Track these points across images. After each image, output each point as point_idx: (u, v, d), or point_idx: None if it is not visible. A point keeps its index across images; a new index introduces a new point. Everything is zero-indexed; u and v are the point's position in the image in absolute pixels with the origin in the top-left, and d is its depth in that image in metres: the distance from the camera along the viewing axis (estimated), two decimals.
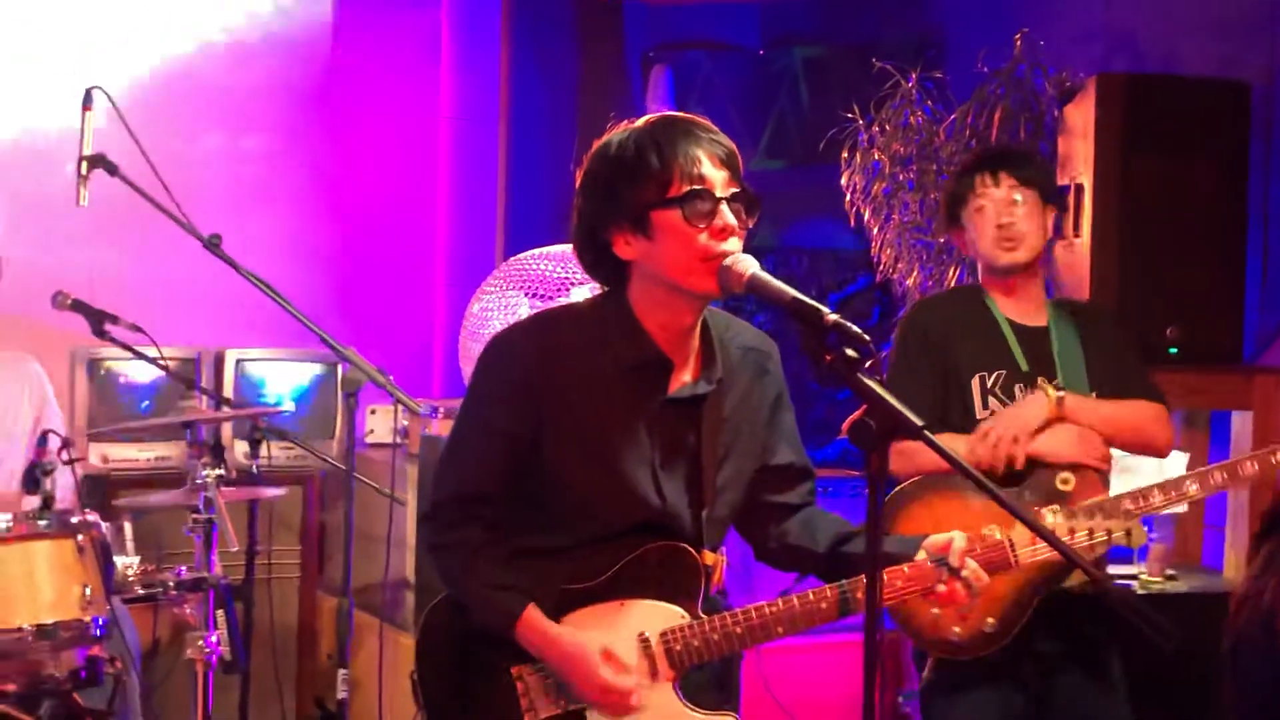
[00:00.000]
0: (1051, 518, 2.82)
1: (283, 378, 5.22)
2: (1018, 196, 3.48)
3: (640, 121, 2.51)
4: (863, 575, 2.47)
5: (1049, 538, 2.35)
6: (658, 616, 2.55)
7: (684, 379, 2.56)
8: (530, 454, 2.52)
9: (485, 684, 2.57)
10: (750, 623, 2.54)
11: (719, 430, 2.58)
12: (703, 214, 2.41)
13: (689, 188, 2.41)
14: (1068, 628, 3.38)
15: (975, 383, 3.47)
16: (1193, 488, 3.25)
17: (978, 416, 3.45)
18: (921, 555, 2.55)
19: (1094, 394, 3.48)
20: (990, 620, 3.28)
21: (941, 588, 2.53)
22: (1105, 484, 3.39)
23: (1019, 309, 3.54)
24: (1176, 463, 4.15)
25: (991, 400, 3.46)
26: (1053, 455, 3.35)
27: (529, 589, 2.52)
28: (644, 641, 2.53)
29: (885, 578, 2.49)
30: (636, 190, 2.44)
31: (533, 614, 2.50)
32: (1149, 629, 2.28)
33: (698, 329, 2.57)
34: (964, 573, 2.52)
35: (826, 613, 2.54)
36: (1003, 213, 3.48)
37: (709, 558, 2.58)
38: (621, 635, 2.53)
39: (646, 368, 2.53)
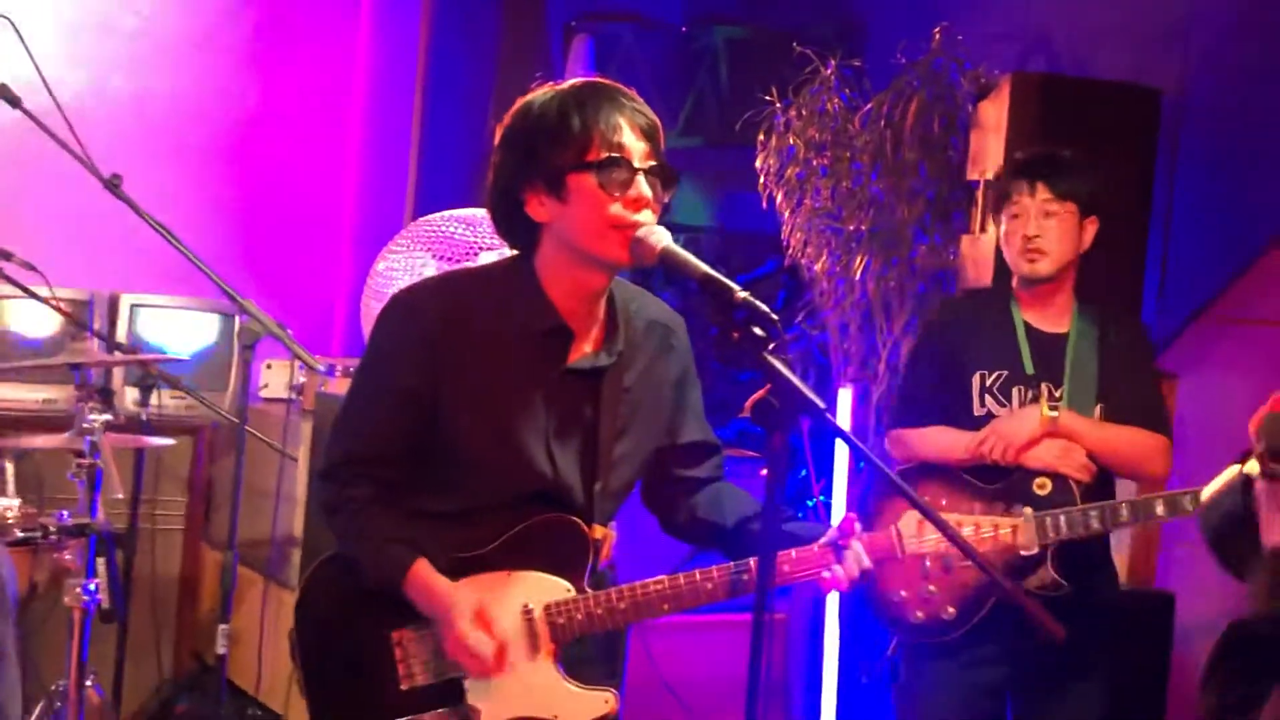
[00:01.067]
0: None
1: (178, 326, 5.12)
2: (1052, 209, 3.52)
3: (566, 84, 2.49)
4: (752, 559, 2.50)
5: (946, 530, 2.39)
6: (543, 588, 2.53)
7: (585, 349, 2.55)
8: (427, 415, 2.49)
9: (364, 646, 2.54)
10: (635, 599, 2.53)
11: (618, 403, 2.57)
12: (618, 182, 2.40)
13: (607, 154, 2.40)
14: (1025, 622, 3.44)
15: (976, 380, 3.56)
16: (1160, 509, 3.33)
17: (974, 414, 3.54)
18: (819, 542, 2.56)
19: (1099, 406, 3.54)
20: (950, 609, 3.45)
21: (827, 574, 2.55)
22: (1082, 494, 3.45)
23: (1041, 315, 3.61)
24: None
25: (988, 399, 3.55)
26: (1035, 462, 3.45)
27: (421, 546, 2.50)
28: (527, 613, 2.52)
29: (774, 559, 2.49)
30: (555, 151, 2.41)
31: (423, 567, 2.48)
32: (1037, 624, 2.34)
33: (603, 299, 2.55)
34: (846, 554, 2.54)
35: (713, 592, 2.54)
36: (1032, 225, 3.53)
37: (598, 531, 2.57)
38: (506, 605, 2.51)
39: (548, 336, 2.51)
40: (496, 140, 2.52)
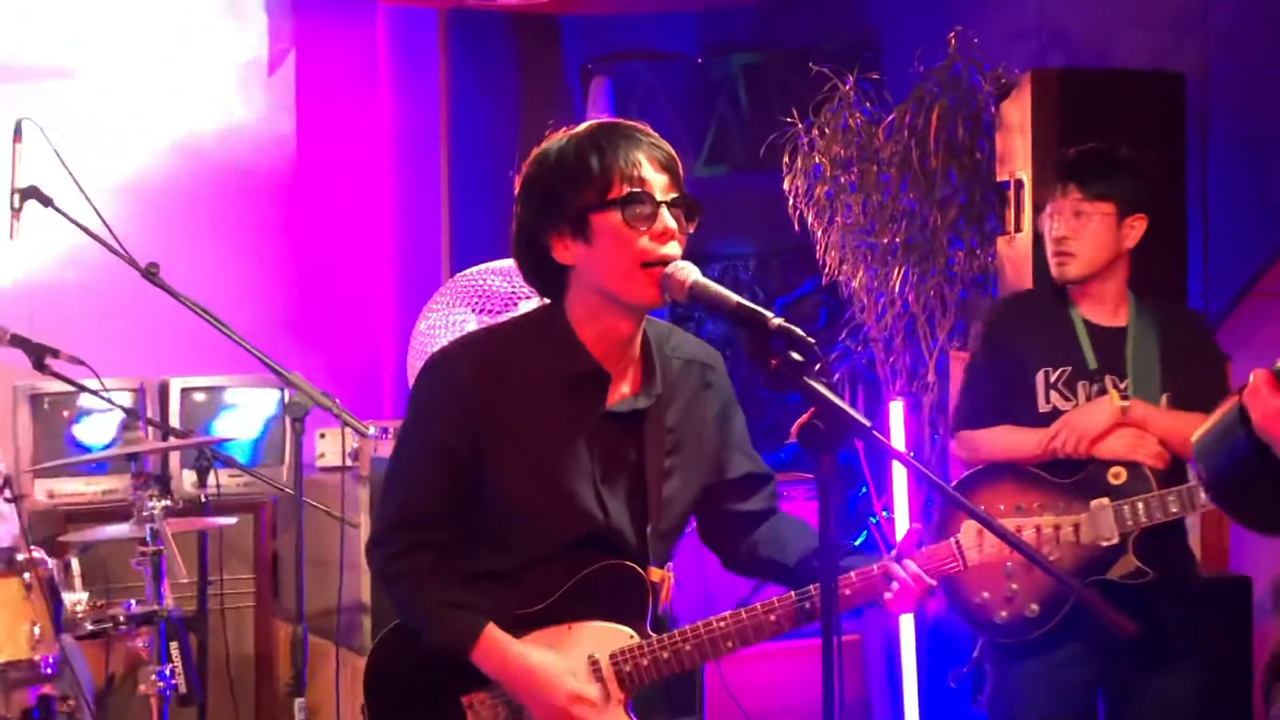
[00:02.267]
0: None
1: (229, 405, 5.17)
2: (1084, 209, 3.52)
3: (581, 127, 2.49)
4: (810, 586, 2.49)
5: (1007, 537, 2.37)
6: (606, 638, 2.52)
7: (623, 391, 2.53)
8: (472, 472, 2.49)
9: (435, 713, 2.53)
10: (699, 639, 2.51)
11: (661, 443, 2.55)
12: (642, 216, 2.39)
13: (629, 190, 2.39)
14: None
15: (1040, 377, 3.56)
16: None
17: (1040, 410, 3.55)
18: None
19: (1165, 396, 3.53)
20: (1034, 606, 3.45)
21: (888, 594, 2.52)
22: (1158, 481, 3.45)
23: (1096, 309, 3.60)
24: None
25: (1053, 395, 3.56)
26: (1108, 453, 3.46)
27: (485, 609, 2.49)
28: (594, 664, 2.50)
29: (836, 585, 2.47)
30: (576, 194, 2.41)
31: (493, 631, 2.47)
32: (1107, 621, 2.30)
33: (637, 340, 2.54)
34: (903, 574, 2.50)
35: (777, 624, 2.52)
36: (1061, 226, 3.54)
37: (655, 574, 2.55)
38: (571, 659, 2.50)
39: (583, 380, 2.49)
40: (516, 190, 2.52)
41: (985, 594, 3.49)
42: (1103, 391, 3.52)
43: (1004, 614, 3.48)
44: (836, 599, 2.16)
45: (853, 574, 2.51)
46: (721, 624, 2.51)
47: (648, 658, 2.50)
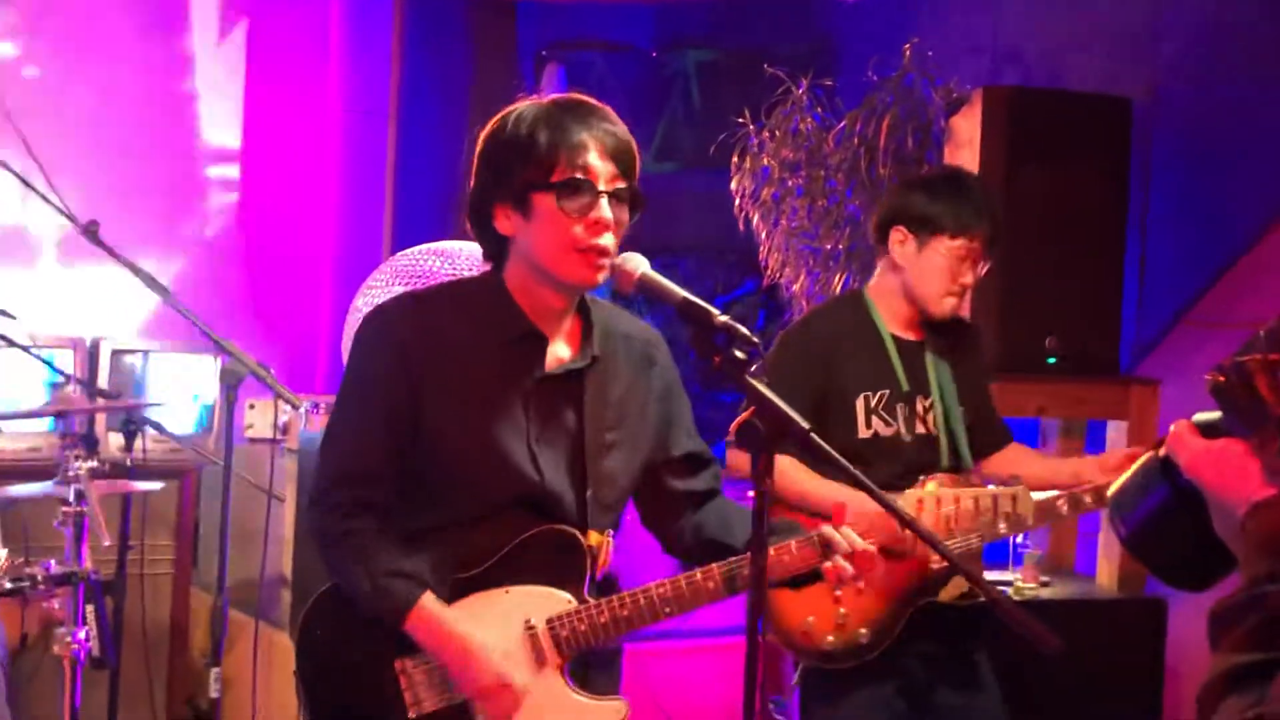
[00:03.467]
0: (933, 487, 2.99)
1: (160, 370, 5.10)
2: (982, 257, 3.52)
3: (547, 99, 2.50)
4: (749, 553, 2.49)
5: (931, 541, 2.39)
6: (543, 603, 2.52)
7: (560, 356, 2.55)
8: (410, 428, 2.49)
9: (369, 678, 2.53)
10: (638, 605, 2.51)
11: (604, 414, 2.57)
12: (579, 205, 2.40)
13: (570, 175, 2.40)
14: (941, 637, 3.42)
15: (859, 403, 3.46)
16: (1063, 508, 3.31)
17: (859, 436, 3.44)
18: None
19: (961, 410, 3.52)
20: (863, 631, 3.35)
21: (828, 564, 2.52)
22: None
23: (902, 324, 3.55)
24: None
25: (874, 420, 3.46)
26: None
27: (423, 577, 2.48)
28: (530, 629, 2.50)
29: (773, 553, 2.48)
30: (521, 169, 2.42)
31: (428, 601, 2.46)
32: (1032, 636, 2.29)
33: (573, 309, 2.56)
34: (838, 540, 2.51)
35: (714, 591, 2.52)
36: (971, 273, 3.50)
37: (594, 538, 2.56)
38: (508, 623, 2.50)
39: (520, 342, 2.52)
40: (477, 148, 2.53)
41: (810, 618, 3.37)
42: (913, 414, 3.47)
43: (831, 639, 3.35)
44: (766, 597, 2.17)
45: (793, 544, 2.53)
46: (660, 589, 2.52)
47: (585, 622, 2.50)
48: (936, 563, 3.29)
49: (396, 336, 2.50)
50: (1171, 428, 1.61)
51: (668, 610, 2.52)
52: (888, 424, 3.46)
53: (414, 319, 2.52)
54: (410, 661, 2.52)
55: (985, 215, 3.46)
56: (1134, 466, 1.71)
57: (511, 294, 2.51)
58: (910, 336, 3.55)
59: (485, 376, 2.50)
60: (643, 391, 2.64)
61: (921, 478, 3.23)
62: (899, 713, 3.42)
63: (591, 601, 2.52)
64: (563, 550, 2.53)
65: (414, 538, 2.51)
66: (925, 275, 3.47)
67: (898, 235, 3.51)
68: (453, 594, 2.50)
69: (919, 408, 3.49)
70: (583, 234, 2.41)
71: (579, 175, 2.40)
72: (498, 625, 2.49)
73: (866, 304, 3.57)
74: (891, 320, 3.54)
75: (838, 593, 3.32)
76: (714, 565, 2.53)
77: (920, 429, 3.49)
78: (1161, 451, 1.63)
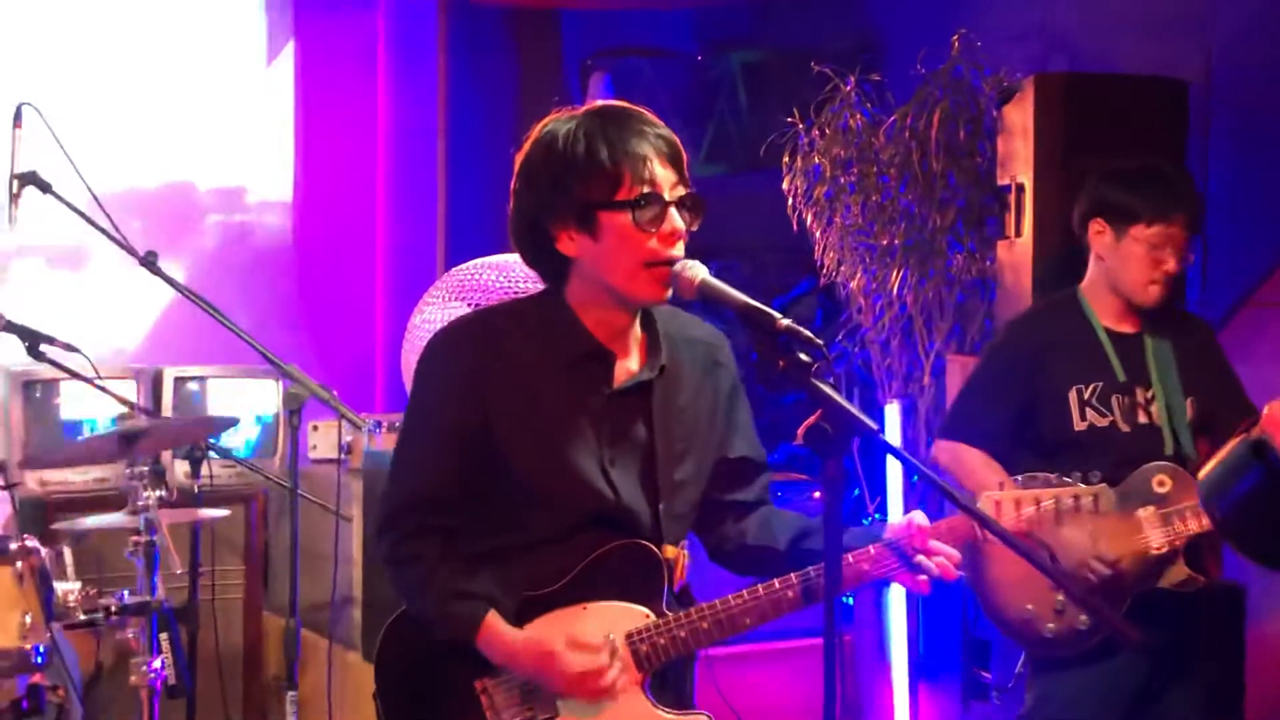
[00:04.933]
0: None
1: (222, 395, 5.14)
2: (1186, 241, 3.55)
3: (587, 111, 2.44)
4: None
5: (1007, 538, 2.36)
6: (622, 617, 2.49)
7: (629, 369, 2.52)
8: (479, 451, 2.46)
9: (448, 700, 2.52)
10: (716, 616, 2.49)
11: (673, 424, 2.54)
12: (653, 219, 2.37)
13: (641, 190, 2.36)
14: (1163, 623, 3.40)
15: (1072, 395, 3.51)
16: None
17: (1075, 429, 3.50)
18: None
19: (1189, 401, 3.52)
20: (1083, 618, 3.39)
21: (921, 562, 2.48)
22: None
23: (1115, 316, 3.59)
24: None
25: (1089, 412, 3.50)
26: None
27: (491, 596, 2.46)
28: (610, 645, 2.48)
29: (851, 560, 2.46)
30: (583, 187, 2.37)
31: (494, 620, 2.45)
32: (1112, 628, 2.27)
33: (637, 321, 2.53)
34: (922, 555, 2.47)
35: (793, 601, 2.49)
36: (1174, 259, 3.53)
37: (670, 552, 2.53)
38: (588, 639, 2.47)
39: (587, 360, 2.49)
40: (517, 167, 2.48)
41: (1029, 606, 3.46)
42: (1134, 405, 3.50)
43: (1052, 626, 3.44)
44: (839, 602, 2.14)
45: (871, 549, 2.49)
46: (738, 601, 2.49)
47: (665, 636, 2.48)
48: (1156, 549, 3.35)
49: (464, 359, 2.47)
50: (1266, 409, 1.59)
51: (748, 621, 2.49)
52: (1102, 415, 3.51)
53: (481, 341, 2.49)
54: (490, 680, 2.50)
55: (1183, 199, 3.52)
56: (1222, 452, 1.68)
57: (575, 311, 2.48)
58: (1126, 328, 3.59)
59: (554, 396, 2.47)
60: (710, 395, 2.61)
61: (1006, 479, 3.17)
62: (1119, 691, 3.46)
63: (670, 615, 2.50)
64: (639, 565, 2.50)
65: (483, 558, 2.50)
66: (1126, 264, 3.54)
67: (1096, 227, 3.59)
68: (523, 612, 2.48)
69: (1140, 398, 3.52)
70: (657, 247, 2.38)
71: (647, 189, 2.37)
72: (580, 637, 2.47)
73: (1079, 301, 3.63)
74: (1104, 313, 3.60)
75: None
76: (793, 575, 2.49)
77: (1142, 419, 3.52)
78: (1254, 433, 1.60)
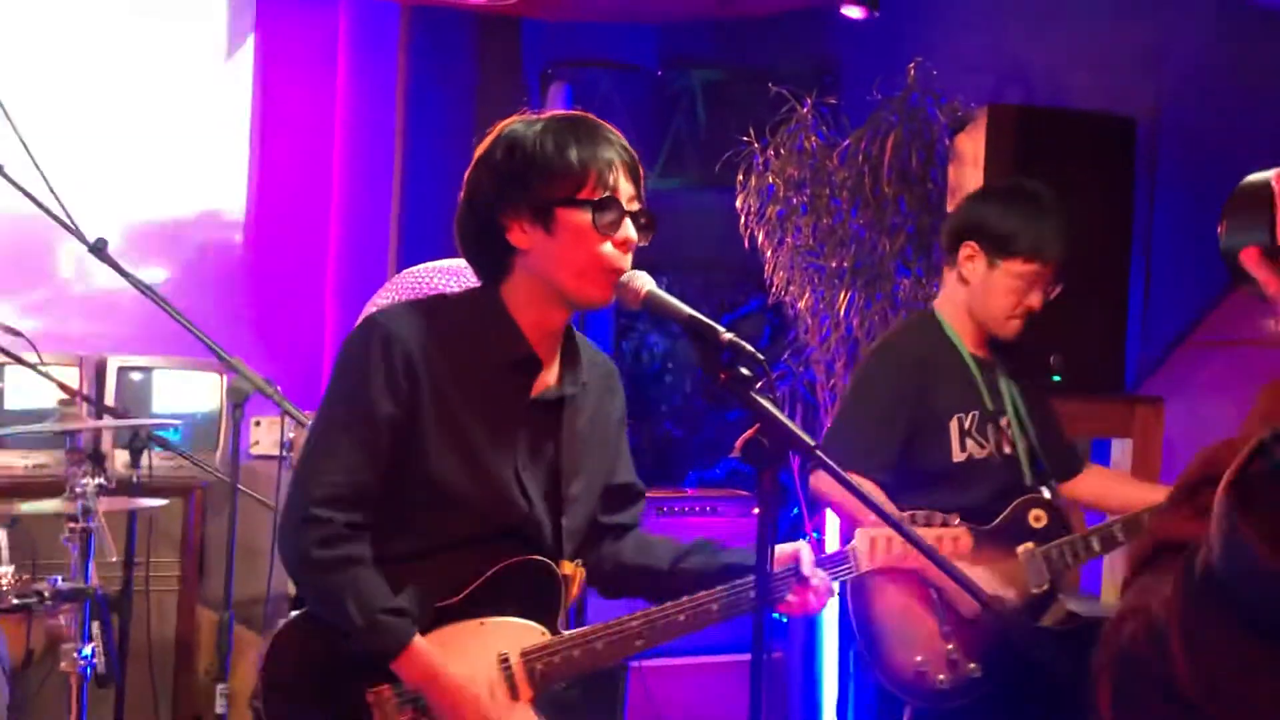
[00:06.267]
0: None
1: (166, 387, 5.12)
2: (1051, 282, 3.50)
3: (552, 115, 2.48)
4: (713, 588, 2.51)
5: (930, 553, 2.39)
6: (518, 635, 2.50)
7: (547, 381, 2.54)
8: (403, 447, 2.41)
9: (334, 708, 2.45)
10: (610, 637, 2.50)
11: (577, 440, 2.56)
12: (610, 223, 2.40)
13: (603, 194, 2.40)
14: (1053, 660, 3.38)
15: (953, 425, 3.41)
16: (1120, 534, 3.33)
17: (954, 459, 3.40)
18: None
19: (1032, 426, 3.50)
20: (973, 665, 3.32)
21: (791, 597, 2.54)
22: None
23: (974, 343, 3.52)
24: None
25: (969, 442, 3.41)
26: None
27: (414, 613, 2.41)
28: (504, 662, 2.48)
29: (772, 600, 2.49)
30: (547, 184, 2.40)
31: (420, 643, 2.40)
32: (1039, 657, 2.30)
33: (562, 333, 2.55)
34: (813, 581, 2.53)
35: (685, 625, 2.52)
36: (1039, 298, 3.49)
37: (568, 567, 2.55)
38: (482, 656, 2.48)
39: (518, 366, 2.50)
40: (476, 156, 2.49)
41: (918, 658, 3.33)
42: (1000, 434, 3.44)
43: (943, 678, 3.32)
44: (770, 614, 2.17)
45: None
46: (634, 623, 2.51)
47: (559, 655, 2.49)
48: (1037, 588, 3.30)
49: (401, 343, 2.41)
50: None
51: (639, 643, 2.51)
52: (981, 445, 3.42)
53: (420, 327, 2.44)
54: (384, 693, 2.44)
55: (1060, 238, 3.38)
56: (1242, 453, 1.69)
57: (510, 312, 2.48)
58: (983, 354, 3.51)
59: (481, 398, 2.46)
60: (605, 417, 2.66)
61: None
62: None
63: (565, 634, 2.52)
64: (537, 581, 2.51)
65: (389, 562, 2.43)
66: (992, 295, 3.41)
67: (968, 251, 3.44)
68: (429, 623, 2.45)
69: (1003, 426, 3.45)
70: (610, 252, 2.41)
71: (609, 194, 2.41)
72: (474, 659, 2.46)
73: (939, 322, 3.52)
74: (965, 337, 3.49)
75: (945, 629, 3.32)
76: (684, 599, 2.52)
77: (1007, 449, 3.45)
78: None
